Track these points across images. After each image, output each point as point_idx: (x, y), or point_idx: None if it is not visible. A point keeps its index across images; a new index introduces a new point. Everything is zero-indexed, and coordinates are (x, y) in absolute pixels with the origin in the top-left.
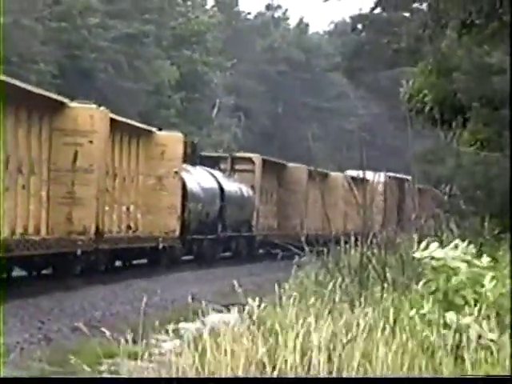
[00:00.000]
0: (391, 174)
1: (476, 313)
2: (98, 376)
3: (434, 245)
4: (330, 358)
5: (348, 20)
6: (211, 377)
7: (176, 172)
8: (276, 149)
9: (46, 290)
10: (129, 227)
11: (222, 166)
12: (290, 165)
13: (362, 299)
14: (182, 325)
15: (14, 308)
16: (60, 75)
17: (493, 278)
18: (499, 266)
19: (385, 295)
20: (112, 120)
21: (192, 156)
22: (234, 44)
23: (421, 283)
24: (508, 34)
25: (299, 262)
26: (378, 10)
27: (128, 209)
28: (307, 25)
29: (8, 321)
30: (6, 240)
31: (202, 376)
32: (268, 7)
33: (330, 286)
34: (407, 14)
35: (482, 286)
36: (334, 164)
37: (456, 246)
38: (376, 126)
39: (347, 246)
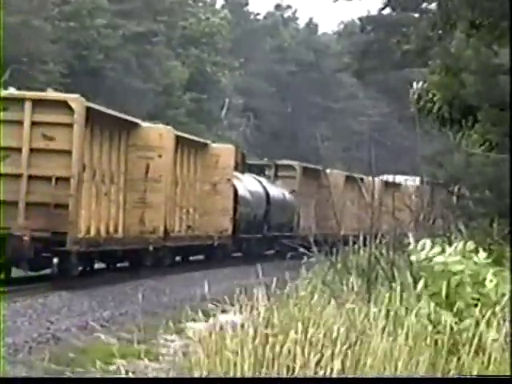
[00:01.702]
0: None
1: (477, 313)
2: (98, 376)
3: (427, 243)
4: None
5: (357, 20)
6: (211, 377)
7: (228, 179)
8: (285, 148)
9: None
10: (189, 227)
11: (267, 173)
12: (328, 171)
13: (370, 299)
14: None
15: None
16: (69, 74)
17: (494, 275)
18: (506, 265)
19: (392, 295)
20: (176, 136)
21: (241, 164)
22: (243, 44)
23: (420, 284)
24: None
25: (308, 262)
26: (387, 11)
27: (188, 211)
28: (316, 25)
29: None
30: (93, 238)
31: (202, 376)
32: (277, 7)
33: (338, 286)
34: (416, 15)
35: (484, 285)
36: (342, 164)
37: (455, 248)
38: (385, 126)
39: (356, 246)
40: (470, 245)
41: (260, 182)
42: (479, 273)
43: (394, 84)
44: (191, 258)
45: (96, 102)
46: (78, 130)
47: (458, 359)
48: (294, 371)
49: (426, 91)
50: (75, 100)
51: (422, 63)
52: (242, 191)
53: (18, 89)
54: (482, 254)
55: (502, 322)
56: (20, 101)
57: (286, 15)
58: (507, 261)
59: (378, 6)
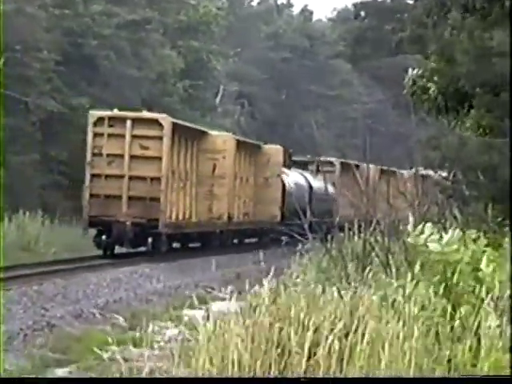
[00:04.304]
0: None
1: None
2: (98, 376)
3: (428, 227)
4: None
5: (351, 7)
6: (211, 377)
7: (278, 174)
8: (279, 135)
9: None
10: (246, 214)
11: (310, 168)
12: (364, 165)
13: (365, 285)
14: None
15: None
16: (63, 62)
17: (490, 261)
18: (503, 251)
19: (387, 280)
20: (237, 141)
21: (288, 161)
22: (237, 31)
23: (416, 267)
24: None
25: (303, 248)
26: None
27: (245, 201)
28: (311, 12)
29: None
30: (176, 222)
31: (201, 376)
32: None
33: (334, 272)
34: (411, 1)
35: (481, 270)
36: (337, 151)
37: (452, 236)
38: (380, 113)
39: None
40: (471, 234)
41: (304, 176)
42: (478, 259)
43: (389, 71)
44: (246, 241)
45: (90, 90)
46: (166, 141)
47: (453, 345)
48: (289, 356)
49: (421, 78)
50: (164, 118)
51: (417, 50)
52: (289, 184)
53: (120, 110)
54: (483, 241)
55: (499, 310)
56: (122, 119)
57: (279, 2)
58: (503, 248)
59: None
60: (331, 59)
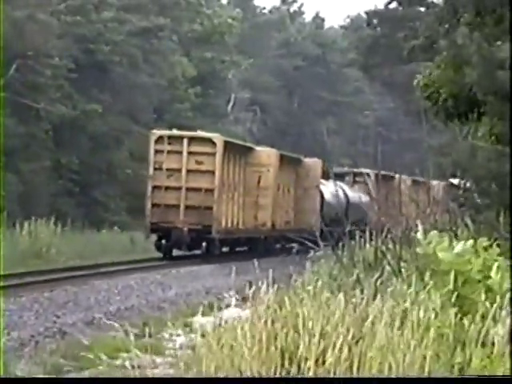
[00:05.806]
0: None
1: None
2: (99, 376)
3: (434, 234)
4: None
5: (363, 15)
6: (211, 377)
7: (316, 186)
8: (291, 143)
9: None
10: (287, 222)
11: (347, 179)
12: (397, 176)
13: (377, 293)
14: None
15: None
16: (75, 69)
17: (500, 269)
18: None
19: (399, 288)
20: (280, 155)
21: (326, 173)
22: (249, 39)
23: (427, 275)
24: None
25: (314, 256)
26: (393, 5)
27: (287, 210)
28: (323, 19)
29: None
30: (227, 228)
31: (202, 376)
32: (284, 1)
33: (345, 279)
34: (423, 9)
35: (490, 278)
36: (349, 158)
37: (464, 246)
38: (391, 121)
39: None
40: (482, 242)
41: (341, 186)
42: (489, 267)
43: (400, 78)
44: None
45: (102, 97)
46: (219, 157)
47: (464, 353)
48: (298, 363)
49: (432, 82)
50: (217, 137)
51: (429, 58)
52: (326, 195)
53: (178, 129)
54: (495, 250)
55: (506, 317)
56: (180, 138)
57: (292, 9)
58: None
59: (385, 0)
60: (343, 67)
